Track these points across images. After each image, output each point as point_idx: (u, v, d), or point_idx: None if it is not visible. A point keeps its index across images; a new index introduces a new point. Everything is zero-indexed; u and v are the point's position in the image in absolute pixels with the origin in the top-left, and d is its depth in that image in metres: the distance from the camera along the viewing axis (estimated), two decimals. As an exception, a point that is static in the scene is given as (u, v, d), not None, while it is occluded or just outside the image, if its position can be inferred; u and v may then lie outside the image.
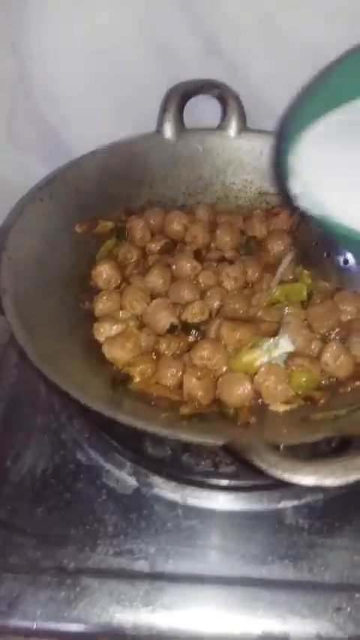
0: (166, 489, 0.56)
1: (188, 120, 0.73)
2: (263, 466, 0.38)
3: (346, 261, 0.60)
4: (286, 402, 0.53)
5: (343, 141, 0.51)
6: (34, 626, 0.50)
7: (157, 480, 0.57)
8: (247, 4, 0.66)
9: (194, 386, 0.53)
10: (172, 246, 0.69)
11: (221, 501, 0.56)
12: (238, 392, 0.54)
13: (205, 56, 0.72)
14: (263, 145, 0.72)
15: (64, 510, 0.56)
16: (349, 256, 0.59)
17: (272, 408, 0.54)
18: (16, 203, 0.71)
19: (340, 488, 0.54)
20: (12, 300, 0.54)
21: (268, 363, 0.55)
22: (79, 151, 0.73)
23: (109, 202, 0.70)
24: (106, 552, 0.53)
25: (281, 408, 0.53)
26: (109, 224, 0.69)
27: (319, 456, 0.41)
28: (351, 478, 0.37)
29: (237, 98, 0.71)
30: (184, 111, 0.72)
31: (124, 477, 0.58)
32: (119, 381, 0.55)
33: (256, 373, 0.55)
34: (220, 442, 0.43)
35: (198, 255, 0.66)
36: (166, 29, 0.70)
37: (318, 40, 0.66)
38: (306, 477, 0.37)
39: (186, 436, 0.44)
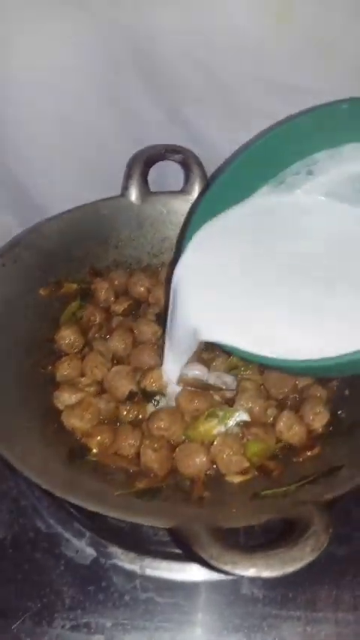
0: (124, 560, 0.57)
1: (155, 178, 0.75)
2: (205, 557, 0.39)
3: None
4: (241, 473, 0.54)
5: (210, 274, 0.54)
6: None
7: (115, 550, 0.57)
8: (207, 77, 0.69)
9: (150, 458, 0.54)
10: (136, 307, 0.71)
11: (178, 571, 0.56)
12: (194, 463, 0.54)
13: (169, 123, 0.74)
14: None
15: (21, 582, 0.56)
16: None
17: (228, 478, 0.55)
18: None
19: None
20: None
21: (224, 433, 0.56)
22: (51, 209, 0.74)
23: (75, 264, 0.72)
24: (63, 626, 0.54)
25: (236, 479, 0.54)
26: (74, 286, 0.70)
27: (269, 539, 0.42)
28: (287, 570, 0.38)
29: (199, 163, 0.73)
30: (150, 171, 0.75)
31: (82, 546, 0.58)
32: (77, 452, 0.55)
33: (212, 443, 0.56)
34: (167, 526, 0.44)
35: (160, 318, 0.68)
36: (129, 99, 0.72)
37: (272, 111, 0.69)
38: (245, 570, 0.38)
39: (136, 518, 0.45)
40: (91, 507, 0.46)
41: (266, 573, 0.38)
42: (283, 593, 0.55)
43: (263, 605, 0.54)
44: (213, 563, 0.38)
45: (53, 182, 0.80)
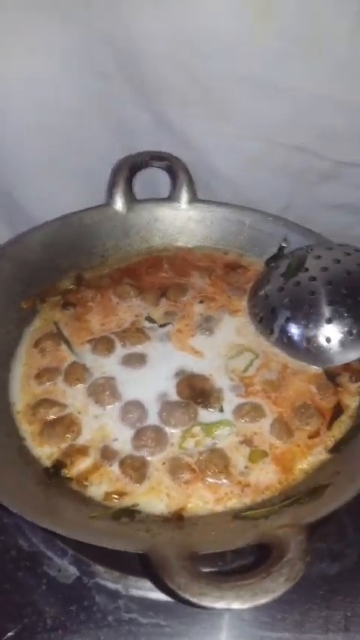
0: (107, 579, 0.55)
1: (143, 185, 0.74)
2: (173, 587, 0.37)
3: (290, 337, 0.61)
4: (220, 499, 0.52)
5: None
6: None
7: (98, 569, 0.56)
8: (191, 79, 0.67)
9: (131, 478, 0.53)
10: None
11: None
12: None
13: (156, 128, 0.73)
14: (213, 216, 0.72)
15: (2, 602, 0.55)
16: (294, 332, 0.60)
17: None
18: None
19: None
20: None
21: (211, 448, 0.55)
22: (39, 215, 0.73)
23: (59, 274, 0.70)
24: (44, 648, 0.52)
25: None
26: (57, 298, 0.69)
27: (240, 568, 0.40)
28: (258, 602, 0.36)
29: (185, 169, 0.71)
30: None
31: (65, 565, 0.57)
32: (54, 471, 0.54)
33: (197, 460, 0.54)
34: (139, 551, 0.42)
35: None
36: (116, 106, 0.71)
37: (258, 111, 0.67)
38: (214, 603, 0.36)
39: (107, 543, 0.44)
40: (63, 533, 0.44)
41: (236, 605, 0.36)
42: (271, 614, 0.53)
43: (250, 626, 0.52)
44: (180, 593, 0.37)
45: (43, 192, 0.79)
